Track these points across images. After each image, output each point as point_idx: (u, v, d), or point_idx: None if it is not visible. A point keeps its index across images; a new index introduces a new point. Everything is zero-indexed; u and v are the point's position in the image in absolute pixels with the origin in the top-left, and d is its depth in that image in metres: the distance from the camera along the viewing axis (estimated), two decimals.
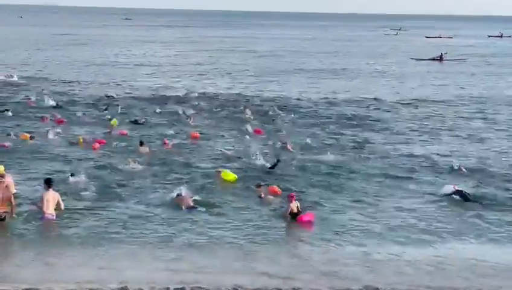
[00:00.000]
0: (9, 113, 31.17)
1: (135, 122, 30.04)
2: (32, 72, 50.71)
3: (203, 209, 17.28)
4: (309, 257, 14.47)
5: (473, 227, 16.76)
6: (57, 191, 16.69)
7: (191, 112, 32.84)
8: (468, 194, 19.03)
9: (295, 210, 16.71)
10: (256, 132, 28.36)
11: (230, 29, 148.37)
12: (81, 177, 19.73)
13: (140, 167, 21.68)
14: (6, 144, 24.17)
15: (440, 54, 70.41)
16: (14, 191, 17.39)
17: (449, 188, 19.36)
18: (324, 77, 54.32)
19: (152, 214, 16.98)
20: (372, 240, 15.54)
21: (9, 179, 17.37)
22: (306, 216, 16.70)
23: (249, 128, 28.56)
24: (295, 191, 18.65)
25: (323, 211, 17.61)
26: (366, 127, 31.15)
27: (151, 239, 15.19)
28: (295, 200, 16.91)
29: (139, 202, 18.03)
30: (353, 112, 35.16)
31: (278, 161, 22.10)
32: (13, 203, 15.84)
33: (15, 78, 44.24)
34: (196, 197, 17.98)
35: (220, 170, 20.83)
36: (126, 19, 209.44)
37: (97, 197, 18.28)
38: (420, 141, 28.29)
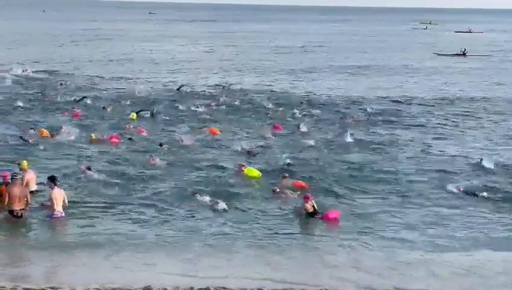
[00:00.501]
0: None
1: (151, 114, 30.12)
2: (56, 67, 50.98)
3: (224, 207, 17.03)
4: (334, 259, 14.20)
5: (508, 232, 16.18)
6: (72, 185, 16.63)
7: (208, 107, 32.94)
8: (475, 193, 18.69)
9: (310, 210, 16.67)
10: (276, 127, 28.21)
11: (257, 23, 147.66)
12: (97, 173, 19.70)
13: (160, 163, 21.53)
14: (30, 139, 24.20)
15: (462, 50, 69.82)
16: (35, 187, 17.41)
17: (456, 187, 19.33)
18: (353, 73, 53.68)
19: (172, 213, 16.82)
20: (399, 242, 15.21)
21: (30, 175, 17.40)
22: (332, 213, 16.62)
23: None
24: (323, 186, 18.96)
25: (350, 209, 17.41)
26: (397, 124, 30.67)
27: (172, 238, 15.05)
28: (311, 200, 16.85)
29: (159, 199, 17.86)
30: (382, 108, 34.68)
31: (289, 163, 21.75)
32: (28, 201, 15.81)
33: (30, 73, 44.20)
34: (213, 196, 17.81)
35: (243, 165, 20.64)
36: (150, 13, 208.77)
37: (114, 193, 18.19)
38: (452, 139, 27.70)
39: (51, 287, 12.14)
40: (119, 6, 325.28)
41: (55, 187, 16.09)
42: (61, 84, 39.95)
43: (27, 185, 16.94)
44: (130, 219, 16.33)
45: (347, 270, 13.57)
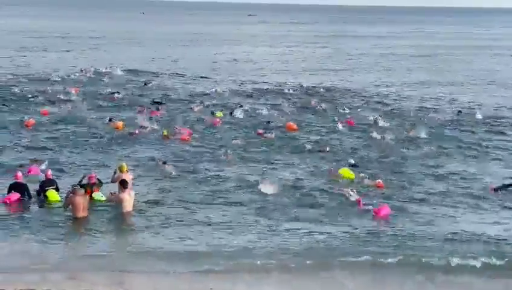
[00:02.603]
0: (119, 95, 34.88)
1: (230, 114, 31.44)
2: (146, 66, 53.07)
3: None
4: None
5: None
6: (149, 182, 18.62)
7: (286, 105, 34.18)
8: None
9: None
10: (349, 122, 29.30)
11: (365, 26, 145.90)
12: (170, 166, 21.30)
13: (234, 158, 23.01)
14: (136, 131, 26.53)
15: None
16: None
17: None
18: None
19: (243, 212, 17.74)
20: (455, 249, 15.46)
21: (128, 178, 18.15)
22: (383, 210, 17.31)
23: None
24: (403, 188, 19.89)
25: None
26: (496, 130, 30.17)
27: (238, 243, 15.65)
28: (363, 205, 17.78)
29: (232, 195, 19.14)
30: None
31: (355, 164, 22.42)
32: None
33: (118, 72, 46.87)
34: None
35: (332, 169, 21.47)
36: (250, 15, 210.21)
37: (188, 188, 19.66)
38: None
39: None
40: (218, 7, 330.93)
41: (125, 190, 17.06)
42: (145, 84, 42.15)
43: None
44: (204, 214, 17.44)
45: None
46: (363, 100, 37.65)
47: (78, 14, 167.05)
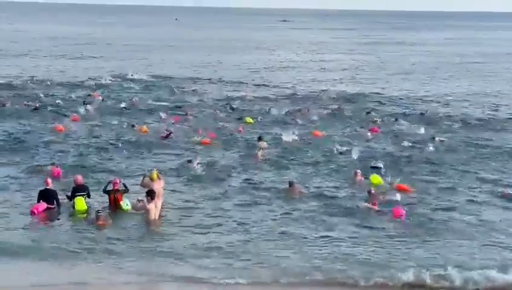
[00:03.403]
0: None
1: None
2: (173, 72, 53.76)
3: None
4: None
5: None
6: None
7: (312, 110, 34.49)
8: None
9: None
10: (374, 130, 29.52)
11: (396, 32, 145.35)
12: (198, 166, 22.15)
13: (260, 158, 23.87)
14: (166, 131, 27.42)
15: None
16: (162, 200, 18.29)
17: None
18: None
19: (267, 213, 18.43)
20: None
21: (159, 186, 18.32)
22: (399, 210, 17.87)
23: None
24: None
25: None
26: None
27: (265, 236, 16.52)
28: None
29: (254, 194, 19.93)
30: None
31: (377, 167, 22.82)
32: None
33: (145, 77, 47.80)
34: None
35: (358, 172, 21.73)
36: (284, 20, 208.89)
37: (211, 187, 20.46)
38: None
39: None
40: (251, 13, 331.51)
41: (152, 200, 17.35)
42: (173, 87, 43.20)
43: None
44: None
45: None
46: (398, 108, 37.66)
47: (113, 20, 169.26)
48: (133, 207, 17.93)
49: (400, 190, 20.07)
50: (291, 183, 20.10)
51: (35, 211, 17.70)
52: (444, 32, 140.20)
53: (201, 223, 17.41)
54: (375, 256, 15.31)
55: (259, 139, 26.24)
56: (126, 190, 18.84)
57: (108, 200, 18.39)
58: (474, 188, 21.08)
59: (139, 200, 17.74)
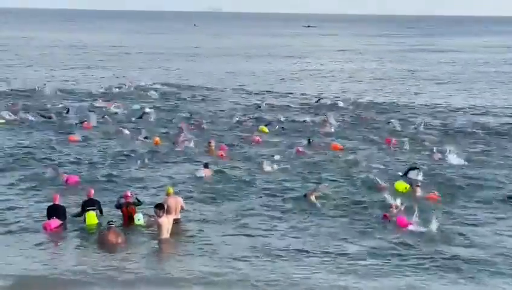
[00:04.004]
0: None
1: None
2: (197, 82, 53.13)
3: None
4: None
5: None
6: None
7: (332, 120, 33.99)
8: None
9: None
10: (387, 141, 29.24)
11: (440, 38, 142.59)
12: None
13: (275, 168, 23.73)
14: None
15: None
16: (179, 216, 18.09)
17: None
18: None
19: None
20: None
21: (173, 201, 18.03)
22: (402, 220, 17.91)
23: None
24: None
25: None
26: None
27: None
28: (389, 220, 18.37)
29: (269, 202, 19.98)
30: None
31: (415, 168, 23.06)
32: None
33: (159, 86, 47.41)
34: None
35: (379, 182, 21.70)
36: (308, 26, 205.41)
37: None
38: None
39: None
40: (272, 18, 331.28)
41: (163, 215, 16.79)
42: (186, 98, 42.97)
43: (168, 211, 17.35)
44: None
45: None
46: (425, 117, 36.87)
47: (131, 27, 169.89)
48: (146, 224, 17.52)
49: (431, 199, 20.22)
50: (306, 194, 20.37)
51: (48, 228, 17.48)
52: (483, 38, 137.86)
53: (214, 242, 16.91)
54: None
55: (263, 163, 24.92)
56: (139, 203, 18.54)
57: (122, 215, 18.06)
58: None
59: (150, 216, 17.42)
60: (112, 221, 16.89)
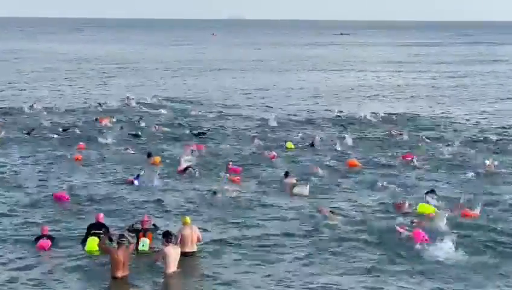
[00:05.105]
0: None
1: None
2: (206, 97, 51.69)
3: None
4: None
5: None
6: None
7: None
8: None
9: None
10: (405, 157, 28.77)
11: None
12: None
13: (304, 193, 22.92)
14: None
15: None
16: (195, 248, 16.91)
17: None
18: None
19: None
20: None
21: (188, 232, 16.86)
22: (419, 234, 17.75)
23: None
24: None
25: None
26: None
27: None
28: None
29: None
30: None
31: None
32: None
33: (168, 103, 46.51)
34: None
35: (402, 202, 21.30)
36: (341, 34, 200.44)
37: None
38: None
39: None
40: (296, 26, 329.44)
41: (170, 244, 15.66)
42: (194, 113, 42.02)
43: (183, 242, 16.42)
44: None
45: None
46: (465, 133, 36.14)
47: (146, 38, 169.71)
48: (154, 257, 16.13)
49: (466, 216, 20.14)
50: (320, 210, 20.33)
51: (44, 248, 16.93)
52: None
53: (224, 274, 15.88)
54: None
55: (286, 175, 24.61)
56: (156, 229, 17.43)
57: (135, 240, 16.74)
58: None
59: (155, 251, 16.31)
60: (124, 236, 15.64)
